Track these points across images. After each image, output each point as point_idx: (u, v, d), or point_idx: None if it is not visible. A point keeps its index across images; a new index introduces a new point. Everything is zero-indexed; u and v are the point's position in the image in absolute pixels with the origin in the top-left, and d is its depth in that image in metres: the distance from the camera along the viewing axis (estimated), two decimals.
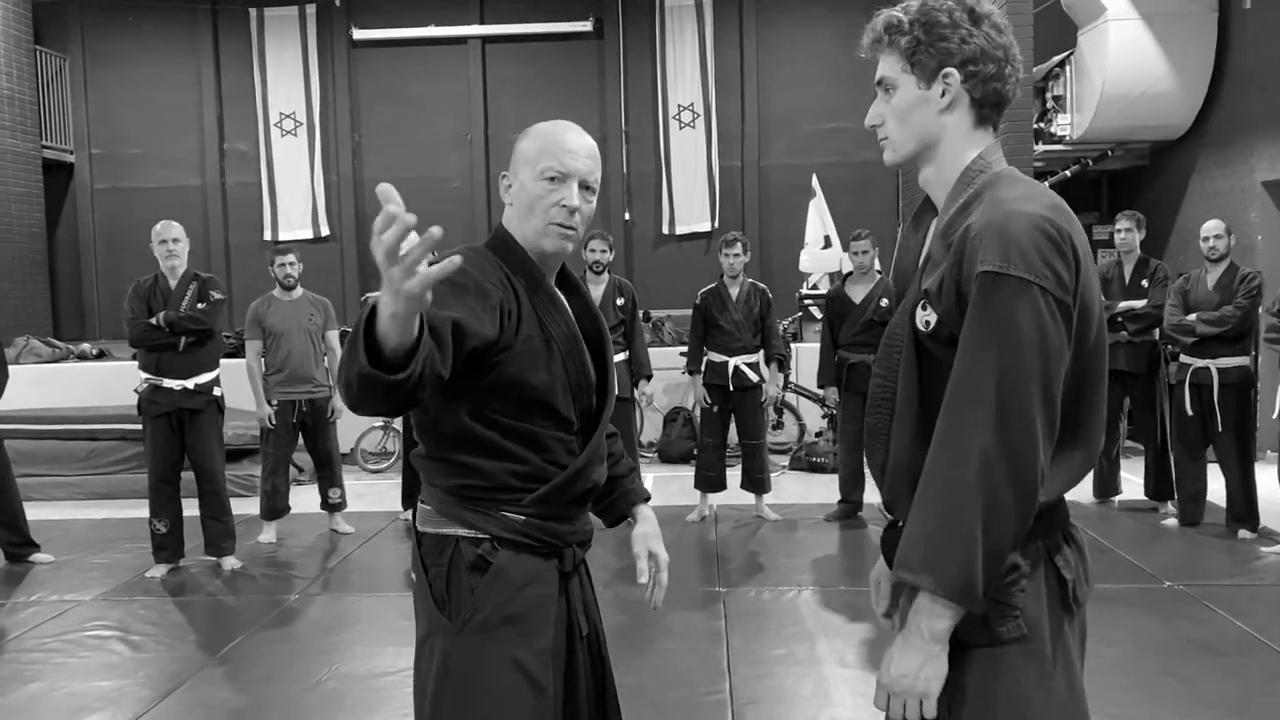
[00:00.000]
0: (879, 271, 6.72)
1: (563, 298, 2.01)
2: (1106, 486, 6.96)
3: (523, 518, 1.92)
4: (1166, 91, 8.80)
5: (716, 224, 14.33)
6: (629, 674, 3.47)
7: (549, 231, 1.94)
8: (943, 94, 1.68)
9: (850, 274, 6.79)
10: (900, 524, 1.69)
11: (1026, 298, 1.51)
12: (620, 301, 6.67)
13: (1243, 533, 6.02)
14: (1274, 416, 6.03)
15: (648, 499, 2.23)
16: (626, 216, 14.42)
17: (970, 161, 1.69)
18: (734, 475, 6.92)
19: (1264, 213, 8.26)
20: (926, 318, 1.63)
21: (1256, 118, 8.25)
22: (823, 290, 10.16)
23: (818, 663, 4.29)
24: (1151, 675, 4.05)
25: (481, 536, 1.90)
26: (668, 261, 13.60)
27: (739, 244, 6.71)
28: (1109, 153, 9.94)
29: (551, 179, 1.92)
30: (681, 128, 14.34)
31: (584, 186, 1.96)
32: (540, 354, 1.90)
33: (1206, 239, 6.11)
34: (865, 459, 1.85)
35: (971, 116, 1.70)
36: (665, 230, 13.88)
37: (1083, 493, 6.93)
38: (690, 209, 14.36)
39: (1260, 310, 6.18)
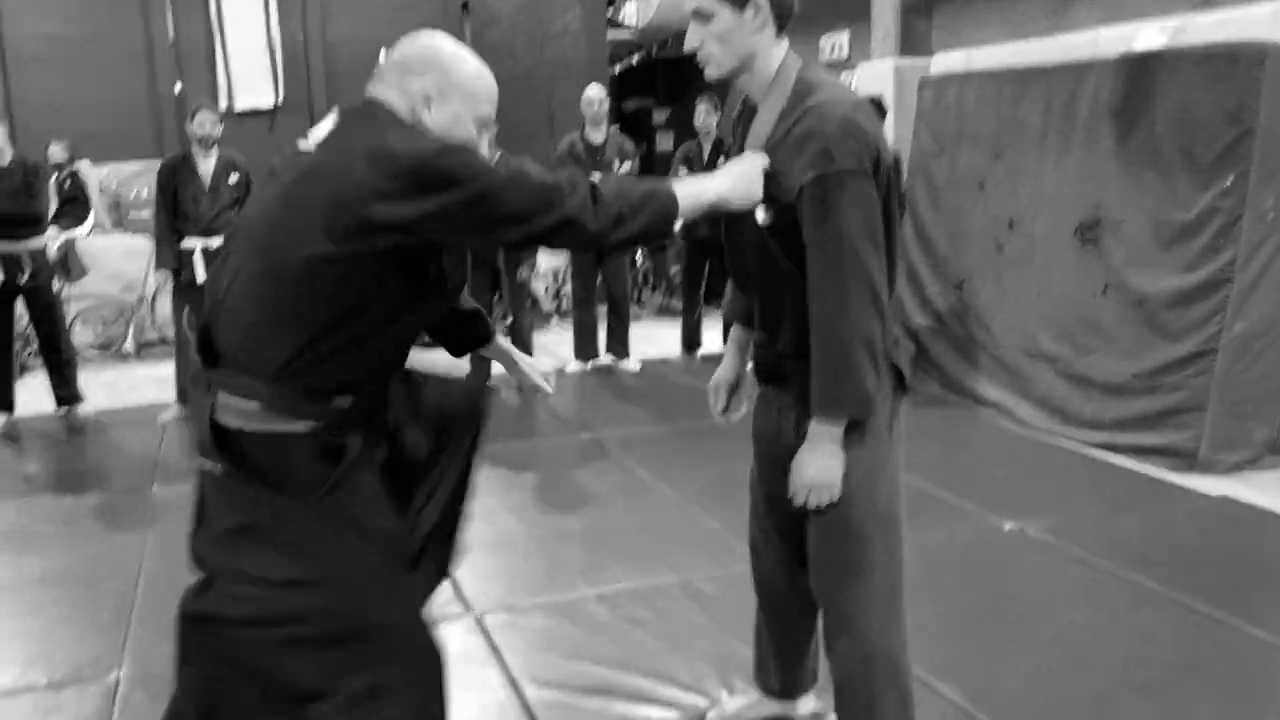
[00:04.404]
0: None
1: None
2: (691, 341, 7.67)
3: None
4: None
5: (280, 100, 13.43)
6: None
7: None
8: (754, 16, 2.07)
9: None
10: (777, 344, 2.23)
11: (853, 182, 2.00)
12: (235, 179, 6.31)
13: None
14: None
15: None
16: (178, 88, 13.07)
17: (779, 66, 2.13)
18: None
19: None
20: (767, 217, 2.09)
21: None
22: None
23: None
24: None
25: None
26: (228, 139, 12.53)
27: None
28: (667, 42, 10.54)
29: (480, 130, 2.01)
30: None
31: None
32: None
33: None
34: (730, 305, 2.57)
35: (774, 30, 2.11)
36: (223, 105, 12.75)
37: (672, 347, 7.80)
38: (250, 82, 13.31)
39: None
